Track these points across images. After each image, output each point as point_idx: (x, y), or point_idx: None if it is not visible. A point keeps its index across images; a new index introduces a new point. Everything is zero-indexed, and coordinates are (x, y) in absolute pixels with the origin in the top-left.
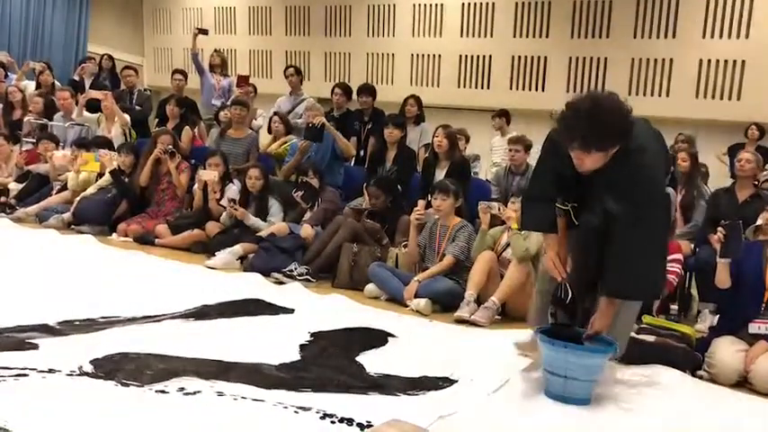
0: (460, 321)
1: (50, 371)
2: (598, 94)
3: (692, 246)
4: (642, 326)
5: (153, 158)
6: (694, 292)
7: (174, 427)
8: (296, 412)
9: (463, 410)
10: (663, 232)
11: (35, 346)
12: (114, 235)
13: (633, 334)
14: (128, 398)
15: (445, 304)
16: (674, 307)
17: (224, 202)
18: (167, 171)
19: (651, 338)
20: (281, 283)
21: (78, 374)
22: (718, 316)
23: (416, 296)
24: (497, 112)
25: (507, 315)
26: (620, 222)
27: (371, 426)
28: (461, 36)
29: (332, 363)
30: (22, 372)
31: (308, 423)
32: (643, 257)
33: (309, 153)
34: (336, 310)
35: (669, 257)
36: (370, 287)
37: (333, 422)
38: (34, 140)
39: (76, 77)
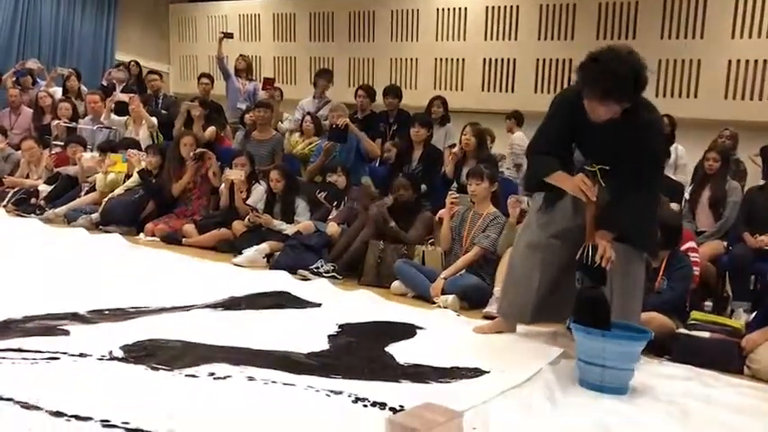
0: (489, 317)
1: (81, 355)
2: (619, 48)
3: (725, 244)
4: (691, 322)
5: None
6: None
7: (206, 409)
8: (327, 396)
9: (497, 398)
10: (658, 194)
11: (66, 332)
12: (141, 235)
13: (685, 331)
14: (158, 380)
15: (473, 300)
16: (709, 304)
17: (250, 201)
18: (194, 172)
19: (706, 335)
20: (308, 279)
21: (109, 359)
22: (754, 313)
23: (443, 293)
24: (510, 113)
25: None
26: (627, 176)
27: (404, 410)
28: (485, 39)
29: (361, 352)
30: (54, 355)
31: (341, 406)
32: (644, 208)
33: (334, 154)
34: (363, 304)
35: (684, 246)
36: (397, 284)
37: (365, 406)
38: (63, 144)
39: (105, 83)
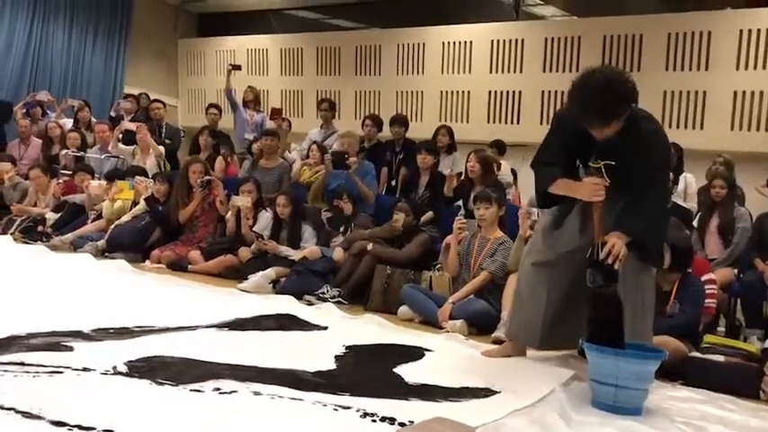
0: (498, 342)
1: (85, 369)
2: (600, 69)
3: (735, 271)
4: (705, 345)
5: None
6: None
7: (211, 421)
8: (335, 410)
9: (509, 417)
10: (666, 204)
11: (70, 348)
12: (147, 262)
13: (699, 354)
14: (162, 395)
15: (481, 325)
16: (722, 329)
17: (257, 228)
18: (201, 199)
19: (720, 358)
20: (313, 304)
21: (113, 374)
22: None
23: (451, 318)
24: (491, 142)
25: None
26: (635, 186)
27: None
28: (490, 72)
29: (369, 372)
30: (57, 369)
31: (349, 420)
32: (656, 211)
33: (340, 182)
34: (370, 328)
35: (703, 278)
36: (404, 309)
37: (374, 420)
38: (71, 173)
39: (113, 113)
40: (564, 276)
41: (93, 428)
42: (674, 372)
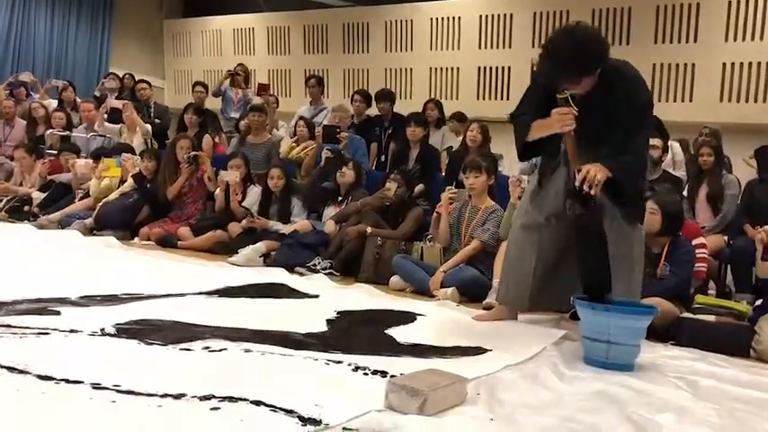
0: (489, 308)
1: (72, 331)
2: (568, 27)
3: (725, 238)
4: (696, 306)
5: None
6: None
7: (201, 373)
8: (327, 364)
9: (501, 371)
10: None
11: (57, 313)
12: (136, 239)
13: (690, 315)
14: (151, 353)
15: (472, 293)
16: (712, 293)
17: (246, 203)
18: (190, 175)
19: (711, 318)
20: (305, 275)
21: (100, 335)
22: (759, 301)
23: (442, 286)
24: (452, 114)
25: None
26: (622, 127)
27: None
28: (479, 48)
29: (361, 333)
30: (44, 331)
31: (340, 373)
32: (637, 154)
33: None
34: (362, 297)
35: (694, 242)
36: (395, 279)
37: (365, 374)
38: (56, 152)
39: (97, 93)
40: (552, 239)
41: (81, 382)
42: (666, 333)
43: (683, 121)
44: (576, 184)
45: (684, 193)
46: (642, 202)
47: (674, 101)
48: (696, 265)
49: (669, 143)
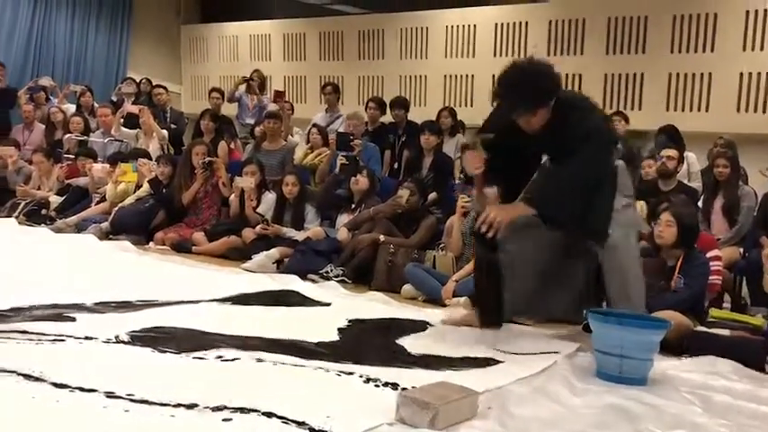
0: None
1: (87, 338)
2: (517, 63)
3: (741, 250)
4: (710, 320)
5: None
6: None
7: (214, 382)
8: (338, 375)
9: (512, 384)
10: (594, 174)
11: (72, 319)
12: (151, 243)
13: (704, 328)
14: (164, 361)
15: None
16: (727, 306)
17: (260, 209)
18: (205, 180)
19: (726, 332)
20: (317, 283)
21: (115, 342)
22: None
23: (455, 295)
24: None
25: None
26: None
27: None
28: (495, 56)
29: (372, 343)
30: (59, 337)
31: (352, 385)
32: (568, 181)
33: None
34: (373, 306)
35: (709, 254)
36: (408, 288)
37: (377, 386)
38: (73, 157)
39: (114, 98)
40: (533, 249)
41: (95, 390)
42: (680, 346)
43: (698, 131)
44: (476, 226)
45: (699, 203)
46: (601, 220)
47: (690, 110)
48: (711, 277)
49: (685, 154)
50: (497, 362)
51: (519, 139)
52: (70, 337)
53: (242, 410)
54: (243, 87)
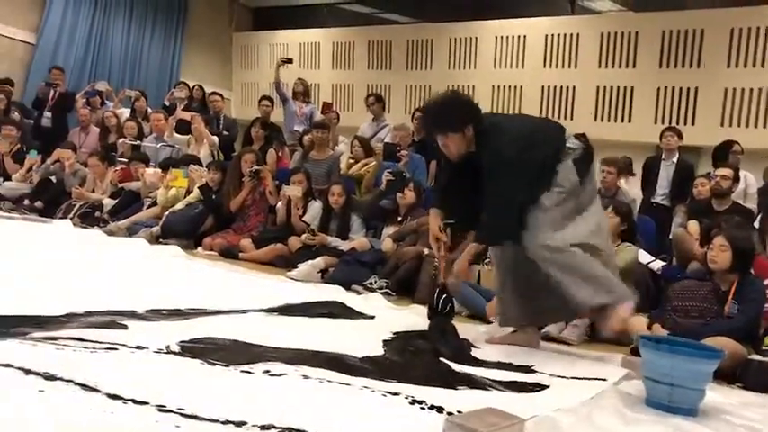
0: (548, 339)
1: (139, 347)
2: (441, 94)
3: None
4: (765, 347)
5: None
6: None
7: (262, 400)
8: (384, 395)
9: (560, 413)
10: (513, 187)
11: (124, 327)
12: (199, 248)
13: (758, 357)
14: (214, 374)
15: None
16: None
17: (307, 218)
18: (253, 188)
19: None
20: (361, 294)
21: (166, 353)
22: None
23: None
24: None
25: (596, 335)
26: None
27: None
28: (544, 67)
29: (417, 359)
30: (112, 346)
31: (398, 406)
32: (495, 206)
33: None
34: (417, 319)
35: (766, 281)
36: None
37: (422, 408)
38: (127, 161)
39: (167, 102)
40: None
41: (147, 403)
42: (733, 375)
43: (754, 147)
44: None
45: (756, 224)
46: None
47: (746, 126)
48: (767, 304)
49: (743, 174)
50: (543, 386)
51: (462, 179)
52: (123, 345)
53: (290, 430)
54: (290, 93)
